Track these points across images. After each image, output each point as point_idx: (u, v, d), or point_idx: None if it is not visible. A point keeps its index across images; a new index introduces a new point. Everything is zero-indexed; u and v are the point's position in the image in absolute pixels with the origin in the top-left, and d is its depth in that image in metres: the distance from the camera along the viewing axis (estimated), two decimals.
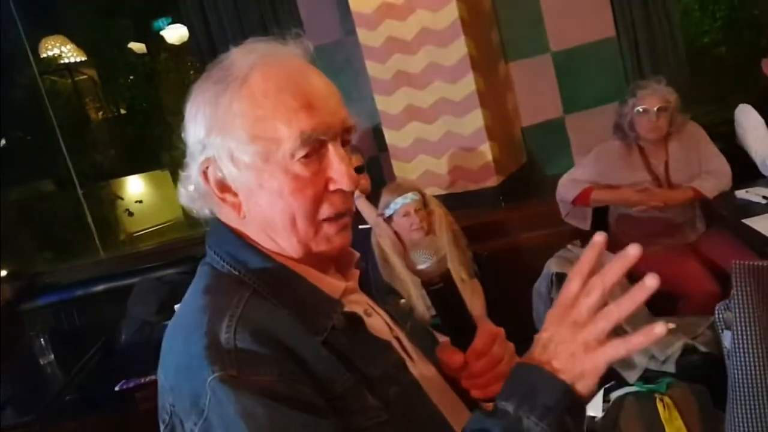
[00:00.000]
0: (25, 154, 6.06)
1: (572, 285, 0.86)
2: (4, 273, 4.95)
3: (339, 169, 0.96)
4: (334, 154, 0.96)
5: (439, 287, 1.01)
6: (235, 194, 0.97)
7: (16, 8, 4.54)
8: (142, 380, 3.04)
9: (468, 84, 3.51)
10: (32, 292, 4.44)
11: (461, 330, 1.03)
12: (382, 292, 1.19)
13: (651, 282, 0.82)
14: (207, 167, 0.97)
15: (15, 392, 3.28)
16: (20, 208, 6.13)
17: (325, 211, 0.97)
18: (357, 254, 1.10)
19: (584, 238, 3.24)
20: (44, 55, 5.49)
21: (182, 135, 1.01)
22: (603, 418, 2.61)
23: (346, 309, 0.99)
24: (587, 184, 3.19)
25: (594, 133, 3.46)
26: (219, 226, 1.02)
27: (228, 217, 1.01)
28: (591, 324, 0.84)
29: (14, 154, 6.06)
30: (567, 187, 3.23)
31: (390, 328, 1.09)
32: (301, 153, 0.93)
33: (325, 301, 0.98)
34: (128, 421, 2.99)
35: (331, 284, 1.01)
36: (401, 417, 0.94)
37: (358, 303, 1.05)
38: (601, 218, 3.35)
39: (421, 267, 1.00)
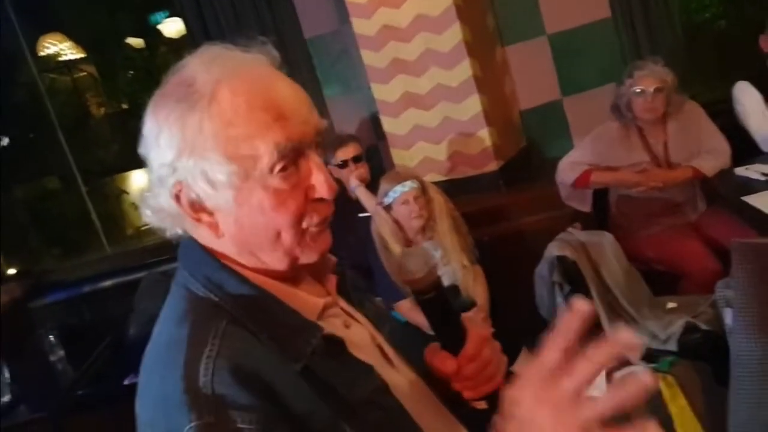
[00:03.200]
0: (28, 152, 6.08)
1: (550, 355, 0.77)
2: (12, 271, 5.00)
3: (319, 177, 0.95)
4: (311, 163, 0.95)
5: (430, 296, 1.02)
6: (211, 214, 0.94)
7: (12, 7, 4.56)
8: None
9: (464, 69, 3.51)
10: (40, 289, 4.47)
11: (452, 336, 1.04)
12: (361, 290, 1.20)
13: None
14: (179, 190, 0.93)
15: (27, 389, 3.33)
16: (26, 206, 6.17)
17: (309, 220, 0.95)
18: (334, 259, 1.08)
19: (585, 220, 3.25)
20: (43, 54, 5.50)
21: (140, 152, 0.97)
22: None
23: (326, 332, 0.96)
24: (586, 166, 3.20)
25: (592, 115, 3.46)
26: (191, 245, 0.99)
27: (203, 236, 0.97)
28: (575, 412, 0.74)
29: (18, 152, 6.08)
30: (566, 170, 3.24)
31: (372, 335, 1.08)
32: (279, 166, 0.91)
33: (303, 325, 0.95)
34: None
35: (310, 303, 0.99)
36: None
37: (337, 316, 1.04)
38: (601, 200, 3.37)
39: (409, 279, 1.01)
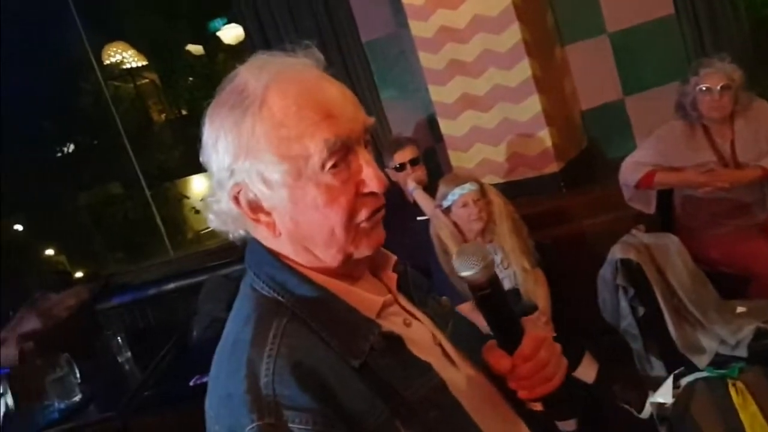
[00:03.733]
0: (92, 158, 6.27)
1: None
2: (79, 275, 5.16)
3: (368, 172, 0.97)
4: (360, 158, 0.98)
5: (486, 293, 1.01)
6: (269, 213, 0.98)
7: (79, 17, 4.70)
8: None
9: (524, 70, 3.47)
10: (107, 292, 4.60)
11: (509, 334, 1.03)
12: (424, 289, 1.19)
13: None
14: (238, 192, 0.98)
15: (96, 389, 3.41)
16: (89, 211, 6.37)
17: (361, 215, 0.98)
18: (394, 257, 1.11)
19: (649, 222, 3.18)
20: (107, 62, 5.67)
21: (201, 160, 1.02)
22: (674, 404, 2.58)
23: (384, 329, 0.98)
24: (650, 166, 3.12)
25: (656, 114, 3.38)
26: (255, 245, 1.03)
27: (263, 236, 1.01)
28: None
29: (83, 159, 6.28)
30: (630, 171, 3.17)
31: (433, 334, 1.09)
32: (330, 163, 0.94)
33: (362, 322, 0.98)
34: (204, 415, 3.08)
35: (368, 300, 1.02)
36: None
37: (397, 314, 1.05)
38: (665, 201, 3.29)
39: (465, 274, 1.01)
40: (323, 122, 0.94)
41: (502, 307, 1.03)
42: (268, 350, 0.91)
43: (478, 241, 3.01)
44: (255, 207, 0.98)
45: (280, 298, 0.98)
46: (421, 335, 1.06)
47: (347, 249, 0.99)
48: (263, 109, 0.94)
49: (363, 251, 1.00)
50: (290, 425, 0.87)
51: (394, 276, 1.10)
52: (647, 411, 2.67)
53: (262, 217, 0.99)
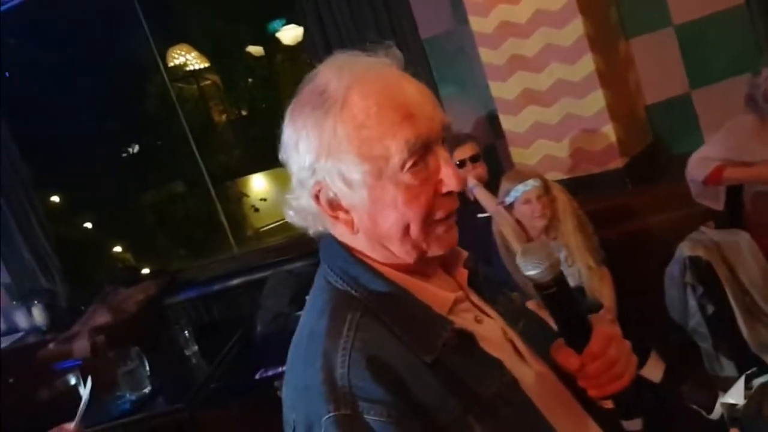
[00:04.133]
0: (156, 158, 6.42)
1: None
2: (146, 271, 5.30)
3: (447, 171, 0.99)
4: (439, 157, 0.99)
5: (553, 292, 1.01)
6: (347, 211, 1.01)
7: (145, 21, 4.83)
8: (280, 369, 3.19)
9: (587, 64, 3.42)
10: (174, 288, 4.71)
11: (576, 332, 1.03)
12: (495, 285, 1.19)
13: None
14: (319, 190, 1.00)
15: (164, 382, 3.51)
16: (154, 209, 6.53)
17: (438, 215, 0.99)
18: (465, 253, 1.12)
19: (718, 219, 3.10)
20: (171, 64, 5.80)
21: (281, 158, 1.05)
22: (745, 405, 2.52)
23: (457, 326, 1.00)
24: (719, 161, 3.04)
25: (724, 108, 3.28)
26: (330, 241, 1.06)
27: (340, 232, 1.04)
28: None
29: (147, 159, 6.44)
30: (697, 166, 3.09)
31: (503, 331, 1.09)
32: (410, 163, 0.96)
33: (434, 318, 0.99)
34: (268, 407, 3.13)
35: (440, 297, 1.03)
36: None
37: (468, 311, 1.07)
38: (735, 197, 3.20)
39: (530, 273, 1.00)
40: (404, 122, 0.95)
41: (569, 306, 1.03)
42: (342, 342, 0.94)
43: (542, 239, 2.99)
44: (334, 205, 1.01)
45: (353, 292, 1.00)
46: (491, 332, 1.07)
47: (421, 247, 1.00)
48: (345, 110, 0.96)
49: (436, 250, 1.02)
50: (365, 416, 0.89)
51: (465, 272, 1.11)
52: (717, 412, 2.62)
53: (341, 215, 1.01)
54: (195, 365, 3.68)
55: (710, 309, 2.86)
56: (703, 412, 2.65)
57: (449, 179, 0.99)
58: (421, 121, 0.96)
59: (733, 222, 3.15)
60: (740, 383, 2.59)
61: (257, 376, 3.27)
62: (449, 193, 1.00)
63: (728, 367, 2.87)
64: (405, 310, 0.99)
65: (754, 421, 2.47)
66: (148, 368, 3.47)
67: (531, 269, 1.00)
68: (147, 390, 3.41)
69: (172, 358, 3.85)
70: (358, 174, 0.96)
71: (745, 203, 3.19)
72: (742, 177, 3.09)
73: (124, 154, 6.41)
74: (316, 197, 1.01)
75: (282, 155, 1.05)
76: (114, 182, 5.90)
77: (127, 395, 3.39)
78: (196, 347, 3.75)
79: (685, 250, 2.87)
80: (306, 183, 1.01)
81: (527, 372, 1.05)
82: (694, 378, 2.85)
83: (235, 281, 4.47)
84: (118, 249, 6.29)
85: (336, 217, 1.01)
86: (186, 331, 3.78)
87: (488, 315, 1.09)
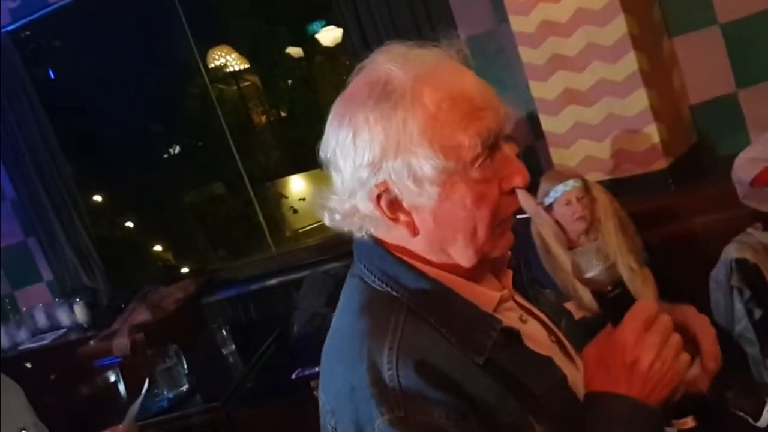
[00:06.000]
0: (197, 159, 6.50)
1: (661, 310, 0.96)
2: (185, 270, 5.37)
3: (514, 167, 0.95)
4: (504, 153, 0.95)
5: (612, 295, 0.98)
6: (408, 213, 0.94)
7: (187, 23, 4.88)
8: (316, 369, 3.19)
9: (630, 63, 3.35)
10: (212, 287, 4.75)
11: None
12: (538, 286, 1.17)
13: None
14: (383, 190, 0.93)
15: (202, 379, 3.53)
16: (194, 210, 6.60)
17: (503, 214, 0.95)
18: (509, 254, 1.07)
19: (766, 220, 3.01)
20: (212, 65, 5.86)
21: (323, 157, 0.97)
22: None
23: (504, 324, 0.96)
24: (767, 162, 2.96)
25: None
26: (365, 240, 1.00)
27: (396, 236, 0.97)
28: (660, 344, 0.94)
29: (188, 160, 6.52)
30: (744, 167, 3.01)
31: (549, 331, 1.06)
32: (481, 158, 0.91)
33: (481, 317, 0.95)
34: (305, 407, 3.15)
35: (486, 296, 0.98)
36: None
37: (513, 310, 1.03)
38: None
39: (590, 275, 0.98)
40: (475, 115, 0.91)
41: (627, 308, 0.99)
42: (388, 342, 0.89)
43: (582, 240, 2.94)
44: (395, 206, 0.94)
45: (394, 293, 0.95)
46: (536, 331, 1.04)
47: (485, 249, 0.96)
48: (415, 103, 0.90)
49: (497, 252, 0.98)
50: (421, 418, 0.84)
51: (510, 273, 1.07)
52: (765, 420, 2.53)
53: (402, 217, 0.95)
54: (232, 364, 3.69)
55: (758, 313, 2.77)
56: (750, 419, 2.56)
57: (515, 176, 0.95)
58: (491, 115, 0.92)
59: None
60: None
61: (294, 376, 3.28)
62: (512, 192, 0.96)
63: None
64: (451, 310, 0.94)
65: None
66: (185, 366, 3.50)
67: (593, 270, 0.98)
68: (184, 388, 3.43)
69: (209, 357, 3.88)
70: (430, 170, 0.90)
71: None
72: None
73: (166, 155, 6.49)
74: (377, 198, 0.93)
75: (326, 155, 0.97)
76: (155, 182, 5.98)
77: (165, 393, 3.41)
78: (233, 346, 3.77)
79: (731, 252, 2.79)
80: (366, 183, 0.93)
81: (574, 371, 1.03)
82: (740, 384, 2.76)
83: (273, 281, 4.49)
84: (158, 248, 6.37)
85: (395, 219, 0.95)
86: (223, 330, 3.80)
87: (533, 315, 1.07)
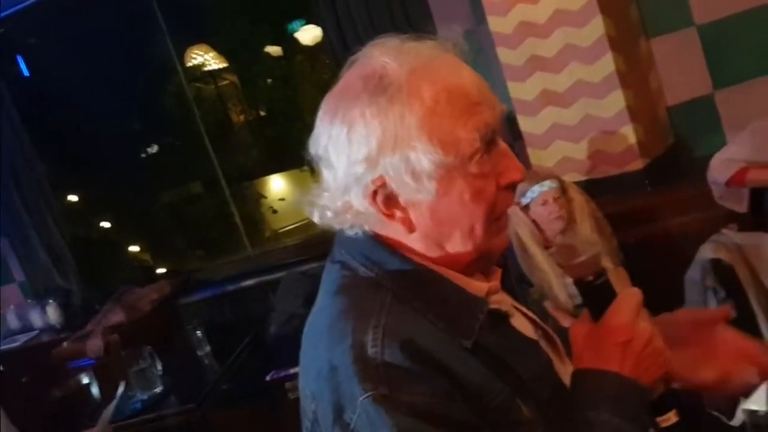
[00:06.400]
0: (175, 159, 6.44)
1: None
2: (161, 271, 5.31)
3: (508, 162, 0.93)
4: (502, 148, 0.93)
5: (595, 284, 0.98)
6: (404, 209, 0.93)
7: (164, 21, 4.83)
8: (291, 371, 3.17)
9: (607, 64, 3.36)
10: (188, 288, 4.71)
11: None
12: (521, 282, 1.17)
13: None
14: (379, 186, 0.91)
15: (176, 381, 3.50)
16: (172, 210, 6.54)
17: (499, 211, 0.94)
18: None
19: (741, 221, 3.03)
20: (190, 64, 5.80)
21: (313, 154, 0.95)
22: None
23: (493, 306, 0.95)
24: (742, 163, 2.97)
25: (748, 109, 3.23)
26: (357, 236, 0.97)
27: (391, 232, 0.95)
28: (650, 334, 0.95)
29: (165, 159, 6.46)
30: (720, 168, 3.03)
31: (536, 325, 1.06)
32: (480, 153, 0.89)
33: (469, 300, 0.94)
34: (279, 409, 3.12)
35: (474, 285, 0.97)
36: (554, 421, 0.91)
37: (501, 303, 1.01)
38: (759, 199, 3.12)
39: (579, 260, 0.97)
40: (474, 110, 0.90)
41: (611, 298, 0.98)
42: (374, 321, 0.87)
43: (559, 240, 2.94)
44: (392, 202, 0.92)
45: (378, 278, 0.93)
46: (523, 325, 1.03)
47: (482, 246, 0.94)
48: (412, 96, 0.89)
49: (494, 248, 0.97)
50: (406, 397, 0.81)
51: (499, 271, 1.05)
52: (738, 418, 2.54)
53: (397, 213, 0.93)
54: (207, 366, 3.66)
55: (732, 313, 2.79)
56: (724, 418, 2.58)
57: (511, 171, 0.93)
58: (489, 109, 0.91)
59: (756, 224, 3.07)
60: (762, 389, 2.50)
61: (268, 378, 3.25)
62: (508, 187, 0.94)
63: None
64: (437, 294, 0.92)
65: None
66: (160, 368, 3.46)
67: (581, 256, 0.97)
68: (158, 390, 3.40)
69: (184, 359, 3.85)
70: (429, 165, 0.88)
71: None
72: (766, 179, 3.02)
73: (143, 154, 6.43)
74: (373, 194, 0.91)
75: (316, 151, 0.95)
76: (133, 182, 5.92)
77: (139, 394, 3.38)
78: (208, 348, 3.74)
79: (706, 252, 2.80)
80: (361, 179, 0.91)
81: (560, 363, 1.03)
82: None
83: (249, 282, 4.45)
84: (135, 249, 6.31)
85: (391, 216, 0.93)
86: (199, 332, 3.77)
87: (519, 311, 1.06)
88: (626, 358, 0.92)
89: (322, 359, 0.89)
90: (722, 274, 2.76)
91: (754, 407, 2.56)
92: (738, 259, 2.78)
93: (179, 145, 6.38)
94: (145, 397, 3.37)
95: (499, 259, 1.06)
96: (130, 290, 4.54)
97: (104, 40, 5.07)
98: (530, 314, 1.08)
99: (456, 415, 0.83)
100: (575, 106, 3.50)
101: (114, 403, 2.33)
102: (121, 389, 2.35)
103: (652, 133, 3.56)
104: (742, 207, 3.06)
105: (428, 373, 0.84)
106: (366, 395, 0.82)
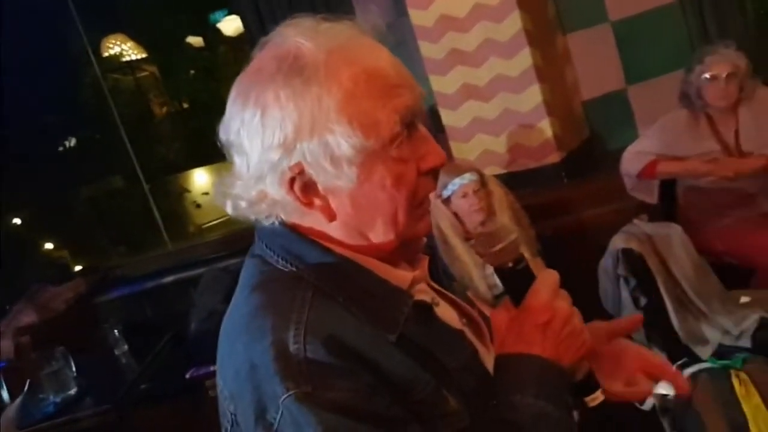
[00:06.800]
0: (94, 152, 6.25)
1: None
2: (78, 268, 5.15)
3: (429, 147, 0.91)
4: (423, 132, 0.91)
5: (516, 270, 0.98)
6: (323, 197, 0.89)
7: (76, 9, 4.66)
8: (211, 368, 3.10)
9: (524, 59, 3.42)
10: (105, 285, 4.58)
11: None
12: (450, 276, 1.17)
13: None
14: (297, 173, 0.87)
15: (92, 382, 3.39)
16: (92, 205, 6.35)
17: (421, 197, 0.92)
18: (424, 239, 1.03)
19: (652, 212, 3.14)
20: (106, 54, 5.63)
21: (225, 140, 0.90)
22: (676, 395, 2.54)
23: (417, 299, 0.93)
24: (653, 156, 3.08)
25: (659, 104, 3.32)
26: (274, 227, 0.93)
27: (311, 221, 0.91)
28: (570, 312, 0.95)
29: (84, 152, 6.26)
30: (632, 161, 3.13)
31: (462, 314, 1.05)
32: (400, 136, 0.86)
33: (392, 293, 0.91)
34: (199, 407, 3.07)
35: (397, 275, 0.94)
36: (480, 411, 0.91)
37: (425, 292, 0.99)
38: (668, 191, 3.24)
39: (498, 247, 0.97)
40: (393, 92, 0.86)
41: (530, 283, 0.98)
42: (295, 317, 0.84)
43: (479, 231, 2.98)
44: (310, 190, 0.88)
45: (298, 271, 0.89)
46: (448, 314, 1.01)
47: (406, 233, 0.91)
48: (330, 77, 0.84)
49: (417, 235, 0.94)
50: (328, 394, 0.79)
51: (425, 259, 1.03)
52: (649, 403, 2.63)
53: (316, 202, 0.89)
54: (125, 365, 3.55)
55: (643, 301, 2.88)
56: (636, 403, 2.67)
57: (432, 155, 0.90)
58: (408, 92, 0.87)
59: (666, 216, 3.19)
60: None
61: (188, 375, 3.19)
62: (429, 173, 0.91)
63: (660, 358, 2.90)
64: (360, 286, 0.89)
65: (684, 410, 2.49)
66: (74, 369, 3.33)
67: (497, 245, 0.97)
68: (72, 391, 3.26)
69: (101, 358, 3.72)
70: (348, 149, 0.84)
71: (677, 197, 3.24)
72: (675, 171, 3.13)
73: (61, 148, 6.21)
74: (291, 181, 0.87)
75: (228, 136, 0.89)
76: (50, 176, 5.71)
77: (51, 397, 3.24)
78: (126, 347, 3.62)
79: (618, 242, 2.88)
80: (277, 165, 0.86)
81: (485, 351, 1.02)
82: None
83: (169, 278, 4.36)
84: (51, 246, 6.10)
85: (310, 204, 0.89)
86: (115, 330, 3.64)
87: (444, 297, 1.04)
88: (546, 339, 0.91)
89: (241, 358, 0.85)
90: (633, 263, 2.85)
91: (663, 392, 2.67)
92: (648, 248, 2.87)
93: (98, 139, 6.19)
94: (58, 399, 3.23)
95: (426, 248, 1.04)
96: (43, 289, 4.37)
97: (15, 29, 4.86)
98: (459, 301, 1.07)
99: (381, 409, 0.81)
100: (495, 101, 3.55)
101: (15, 403, 2.22)
102: (24, 390, 2.24)
103: (568, 127, 3.65)
104: (652, 198, 3.17)
105: (352, 369, 0.81)
106: (288, 394, 0.79)
